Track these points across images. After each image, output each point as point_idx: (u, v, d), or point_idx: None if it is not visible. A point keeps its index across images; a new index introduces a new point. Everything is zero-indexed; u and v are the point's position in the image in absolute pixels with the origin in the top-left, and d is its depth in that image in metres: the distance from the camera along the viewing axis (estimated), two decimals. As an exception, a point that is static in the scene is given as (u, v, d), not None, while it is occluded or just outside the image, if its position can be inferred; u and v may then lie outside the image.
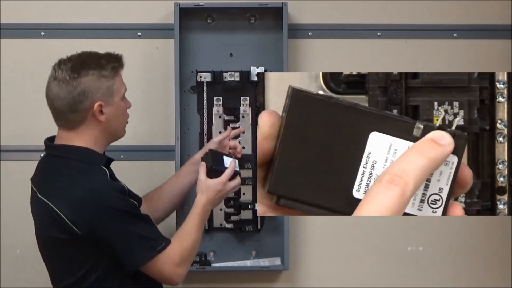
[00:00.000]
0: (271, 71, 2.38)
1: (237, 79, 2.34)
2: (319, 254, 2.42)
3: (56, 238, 1.80)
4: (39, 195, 1.83)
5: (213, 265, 2.38)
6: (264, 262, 2.39)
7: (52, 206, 1.77)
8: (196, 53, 2.38)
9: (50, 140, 1.94)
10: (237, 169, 2.00)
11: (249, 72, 2.34)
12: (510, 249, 2.46)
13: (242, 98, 2.37)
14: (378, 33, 2.44)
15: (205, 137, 2.36)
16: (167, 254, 1.82)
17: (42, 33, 2.38)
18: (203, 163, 1.97)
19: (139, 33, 2.39)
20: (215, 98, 2.37)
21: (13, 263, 2.38)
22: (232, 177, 1.98)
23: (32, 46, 2.38)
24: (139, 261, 1.80)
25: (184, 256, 1.85)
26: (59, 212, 1.76)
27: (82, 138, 1.86)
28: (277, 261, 2.38)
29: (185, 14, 2.34)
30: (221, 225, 2.38)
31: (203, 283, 2.41)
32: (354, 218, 2.41)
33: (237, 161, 2.03)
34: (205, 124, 2.36)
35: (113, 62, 1.86)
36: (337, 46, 2.43)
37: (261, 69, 2.34)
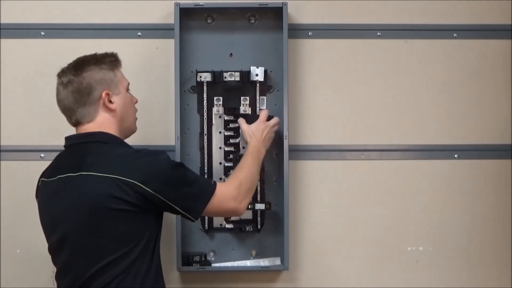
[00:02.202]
0: (271, 71, 2.38)
1: (237, 79, 2.34)
2: (319, 254, 2.42)
3: (113, 209, 1.87)
4: (95, 173, 1.88)
5: (213, 265, 2.38)
6: (264, 262, 2.39)
7: (119, 177, 1.87)
8: (196, 53, 2.38)
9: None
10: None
11: (249, 72, 2.34)
12: (510, 249, 2.46)
13: (242, 98, 2.37)
14: (378, 33, 2.44)
15: (205, 137, 2.36)
16: (223, 191, 2.00)
17: (42, 33, 2.39)
18: (242, 118, 2.30)
19: (139, 33, 2.39)
20: (215, 98, 2.37)
21: (13, 263, 2.38)
22: None
23: (32, 46, 2.38)
24: (204, 202, 1.96)
25: (240, 189, 2.04)
26: (128, 179, 1.87)
27: (105, 127, 1.99)
28: (277, 261, 2.38)
29: (185, 14, 2.34)
30: (221, 225, 2.38)
31: (203, 283, 2.41)
32: (354, 218, 2.42)
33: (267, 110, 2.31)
34: (205, 124, 2.36)
35: (110, 57, 2.04)
36: (337, 46, 2.43)
37: (261, 69, 2.34)
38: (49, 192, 1.97)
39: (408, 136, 2.44)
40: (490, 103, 2.46)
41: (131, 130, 2.09)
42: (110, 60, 2.02)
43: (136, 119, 2.10)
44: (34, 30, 2.39)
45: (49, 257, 2.34)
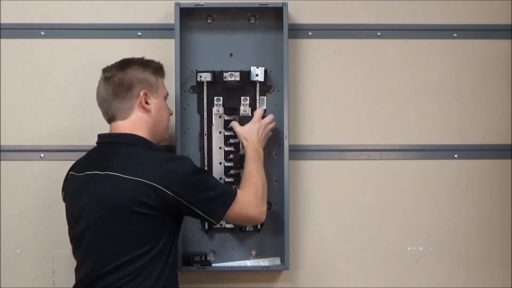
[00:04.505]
0: (271, 71, 2.38)
1: (237, 79, 2.34)
2: (319, 254, 2.42)
3: (133, 212, 1.90)
4: (121, 175, 1.92)
5: (213, 265, 2.38)
6: (264, 262, 2.39)
7: (143, 180, 1.90)
8: (196, 53, 2.38)
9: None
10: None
11: (249, 72, 2.34)
12: (510, 249, 2.46)
13: (242, 98, 2.37)
14: (378, 33, 2.44)
15: (205, 137, 2.36)
16: (244, 198, 2.03)
17: (42, 33, 2.38)
18: (235, 121, 2.29)
19: (139, 33, 2.39)
20: (215, 98, 2.37)
21: (13, 263, 2.37)
22: None
23: (32, 46, 2.38)
24: (226, 206, 1.99)
25: (257, 195, 2.08)
26: (151, 183, 1.90)
27: (135, 127, 2.03)
28: (277, 261, 2.38)
29: (185, 14, 2.34)
30: (221, 225, 2.38)
31: (203, 283, 2.41)
32: (354, 218, 2.42)
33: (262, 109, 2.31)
34: (205, 124, 2.36)
35: (155, 63, 2.12)
36: (337, 46, 2.43)
37: (261, 69, 2.34)
38: (76, 187, 2.02)
39: (408, 136, 2.44)
40: (490, 103, 2.46)
41: (162, 137, 2.15)
42: (155, 66, 2.11)
43: (168, 128, 2.17)
44: (34, 30, 2.38)
45: (49, 257, 2.35)
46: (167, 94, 2.16)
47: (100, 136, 2.08)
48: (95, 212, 1.94)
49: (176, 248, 2.03)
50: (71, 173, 2.07)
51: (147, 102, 2.05)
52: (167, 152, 2.01)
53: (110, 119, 2.06)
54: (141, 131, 2.04)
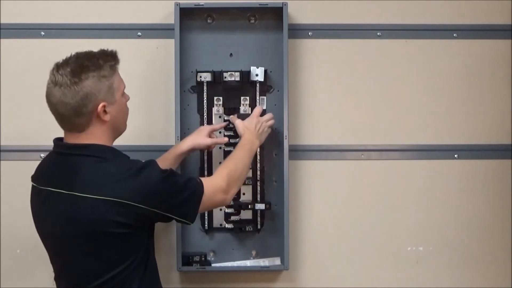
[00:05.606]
0: (271, 71, 2.38)
1: (237, 79, 2.34)
2: (319, 254, 2.42)
3: (108, 233, 1.83)
4: (90, 196, 1.83)
5: (213, 265, 2.38)
6: (264, 262, 2.39)
7: (114, 199, 1.82)
8: (196, 53, 2.38)
9: (59, 141, 1.96)
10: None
11: (249, 72, 2.34)
12: (510, 249, 2.46)
13: (242, 98, 2.37)
14: (378, 33, 2.44)
15: (205, 137, 2.36)
16: (211, 185, 1.99)
17: (42, 33, 2.39)
18: (233, 116, 2.32)
19: (139, 33, 2.39)
20: (215, 98, 2.37)
21: (13, 263, 2.37)
22: None
23: (32, 46, 2.38)
24: (197, 204, 1.94)
25: (228, 180, 2.04)
26: (124, 201, 1.82)
27: (93, 138, 1.90)
28: (277, 261, 2.38)
29: (185, 14, 2.34)
30: (221, 225, 2.38)
31: (203, 283, 2.41)
32: (354, 218, 2.42)
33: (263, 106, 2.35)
34: (205, 124, 2.36)
35: (110, 60, 1.91)
36: (337, 46, 2.43)
37: (261, 69, 2.34)
38: (39, 202, 1.94)
39: (408, 136, 2.44)
40: (490, 103, 2.46)
41: (121, 132, 2.01)
42: (110, 65, 1.90)
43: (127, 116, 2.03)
44: (34, 30, 2.38)
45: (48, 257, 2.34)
46: (124, 87, 1.96)
47: (58, 146, 1.94)
48: (66, 236, 1.86)
49: (153, 251, 1.99)
50: (32, 184, 1.97)
51: (105, 111, 1.88)
52: (152, 162, 1.89)
53: (66, 129, 1.93)
54: (101, 139, 1.91)
